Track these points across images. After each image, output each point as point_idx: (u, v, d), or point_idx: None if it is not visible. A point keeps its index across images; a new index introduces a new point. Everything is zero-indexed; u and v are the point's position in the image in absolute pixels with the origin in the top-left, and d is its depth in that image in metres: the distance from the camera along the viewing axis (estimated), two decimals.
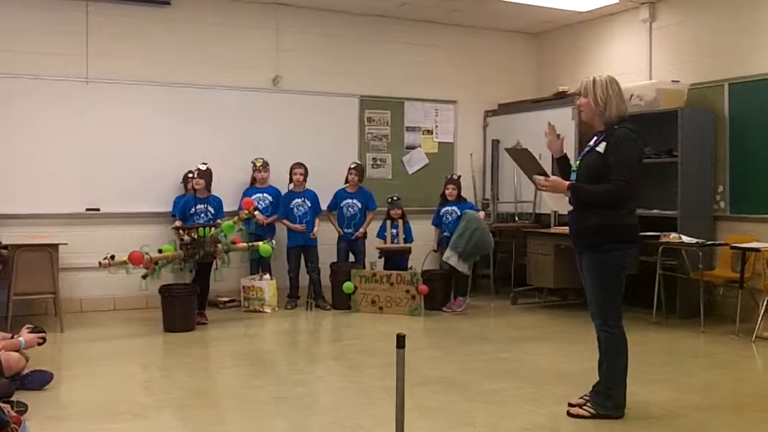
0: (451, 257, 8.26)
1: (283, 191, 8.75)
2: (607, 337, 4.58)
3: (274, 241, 8.01)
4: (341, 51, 9.56)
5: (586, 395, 4.72)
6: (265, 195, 8.69)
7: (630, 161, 4.43)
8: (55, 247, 7.31)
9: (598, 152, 4.49)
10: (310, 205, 8.65)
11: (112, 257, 6.96)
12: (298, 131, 9.24)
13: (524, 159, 4.86)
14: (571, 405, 4.71)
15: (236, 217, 7.57)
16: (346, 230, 8.78)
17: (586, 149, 4.65)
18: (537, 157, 4.84)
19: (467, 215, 8.33)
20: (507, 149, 4.81)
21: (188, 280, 7.80)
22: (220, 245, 7.45)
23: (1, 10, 7.93)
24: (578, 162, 4.65)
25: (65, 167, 8.16)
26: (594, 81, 4.63)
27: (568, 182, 4.57)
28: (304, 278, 8.67)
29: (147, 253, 7.09)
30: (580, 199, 4.54)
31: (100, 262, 6.95)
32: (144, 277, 7.25)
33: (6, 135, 7.93)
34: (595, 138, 4.62)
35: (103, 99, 8.33)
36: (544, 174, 4.65)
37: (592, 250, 4.54)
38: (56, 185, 8.12)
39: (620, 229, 4.49)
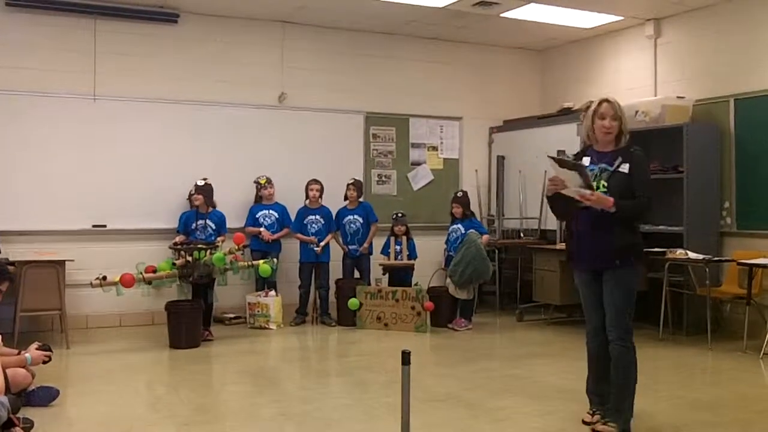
0: (448, 285, 8.37)
1: (289, 207, 8.76)
2: (623, 351, 4.59)
3: (275, 260, 7.96)
4: (347, 68, 9.60)
5: (597, 411, 4.71)
6: (271, 212, 8.70)
7: (650, 180, 4.68)
8: (61, 263, 7.32)
9: (623, 173, 4.57)
10: (323, 222, 8.67)
11: (104, 278, 7.01)
12: (303, 148, 9.26)
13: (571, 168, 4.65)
14: (585, 423, 4.69)
15: (228, 249, 7.56)
16: (350, 246, 8.78)
17: (604, 168, 4.62)
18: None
19: (468, 240, 8.30)
20: (554, 157, 4.62)
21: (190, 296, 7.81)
22: (216, 267, 7.44)
23: (9, 28, 8.00)
24: (601, 182, 4.59)
25: (72, 184, 8.19)
26: (619, 104, 4.67)
27: (612, 198, 4.50)
28: (313, 295, 8.68)
29: (141, 273, 7.12)
30: (624, 214, 4.55)
31: (91, 283, 7.00)
32: (148, 283, 7.29)
33: (14, 151, 7.97)
34: (606, 158, 4.63)
35: (110, 116, 8.37)
36: (590, 187, 4.54)
37: (623, 266, 4.58)
38: (63, 202, 8.15)
39: (641, 246, 4.71)
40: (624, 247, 4.58)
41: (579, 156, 4.77)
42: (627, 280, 4.60)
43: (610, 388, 4.63)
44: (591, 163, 4.66)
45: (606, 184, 4.56)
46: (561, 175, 4.51)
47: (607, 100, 4.65)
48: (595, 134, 4.67)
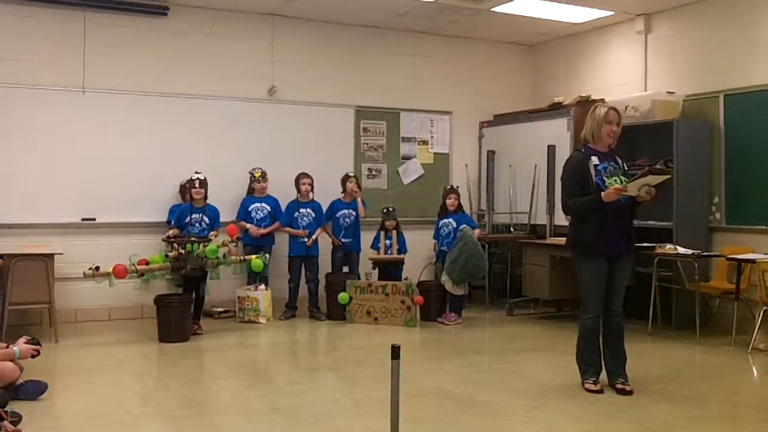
0: (446, 282, 8.35)
1: (281, 201, 8.74)
2: (623, 321, 5.46)
3: (267, 255, 7.96)
4: (337, 61, 9.58)
5: (597, 380, 5.39)
6: (263, 205, 8.67)
7: None
8: (50, 257, 7.30)
9: (625, 170, 5.45)
10: (314, 215, 8.65)
11: (97, 268, 7.00)
12: (293, 141, 9.24)
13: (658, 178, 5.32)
14: (592, 390, 5.32)
15: (221, 241, 7.54)
16: (343, 240, 8.76)
17: (615, 167, 5.38)
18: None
19: (464, 236, 8.29)
20: (656, 168, 5.58)
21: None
22: (209, 260, 7.43)
23: None
24: (622, 178, 5.33)
25: (61, 177, 8.15)
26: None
27: None
28: (302, 289, 8.65)
29: (133, 264, 7.10)
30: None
31: (84, 273, 6.98)
32: (140, 275, 7.27)
33: (2, 144, 7.92)
34: (607, 157, 5.38)
35: (99, 109, 8.32)
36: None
37: (632, 251, 5.49)
38: (52, 195, 8.11)
39: None
40: (633, 234, 5.49)
41: (587, 155, 5.36)
42: (631, 262, 5.56)
43: (614, 355, 5.43)
44: (600, 161, 5.32)
45: (625, 180, 5.30)
46: (644, 182, 5.19)
47: (614, 109, 5.39)
48: (600, 135, 5.34)
